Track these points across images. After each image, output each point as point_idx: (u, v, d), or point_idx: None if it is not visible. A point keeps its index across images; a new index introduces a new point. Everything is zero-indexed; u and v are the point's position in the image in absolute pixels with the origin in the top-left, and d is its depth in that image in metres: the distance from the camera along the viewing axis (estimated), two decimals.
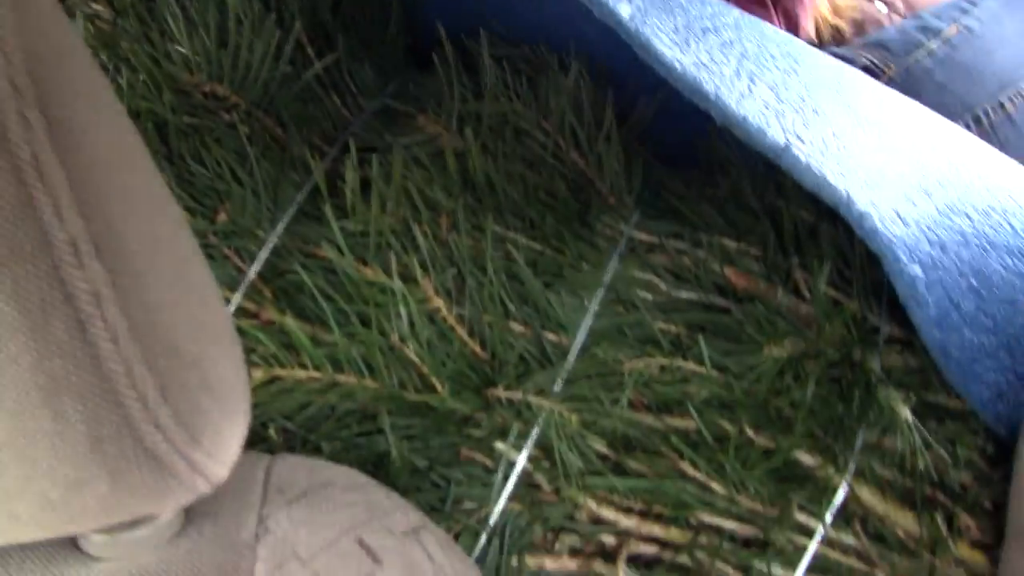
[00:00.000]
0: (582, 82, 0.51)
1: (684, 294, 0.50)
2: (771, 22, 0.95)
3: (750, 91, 0.47)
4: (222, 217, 0.49)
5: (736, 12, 0.56)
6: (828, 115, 0.49)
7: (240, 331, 0.48)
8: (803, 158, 0.46)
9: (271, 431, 0.48)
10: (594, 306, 0.49)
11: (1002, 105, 0.96)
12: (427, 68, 0.55)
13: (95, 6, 0.57)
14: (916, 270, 0.46)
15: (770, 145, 0.46)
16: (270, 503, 0.41)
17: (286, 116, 0.53)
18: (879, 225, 0.46)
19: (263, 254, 0.49)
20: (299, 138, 0.52)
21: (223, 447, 0.33)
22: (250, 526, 0.40)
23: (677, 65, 0.47)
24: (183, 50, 0.54)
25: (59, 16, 0.26)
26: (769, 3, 0.96)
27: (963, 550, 0.49)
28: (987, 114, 0.96)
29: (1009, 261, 0.50)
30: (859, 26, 1.20)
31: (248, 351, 0.47)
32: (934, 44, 1.01)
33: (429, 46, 0.56)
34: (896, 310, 0.50)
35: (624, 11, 0.49)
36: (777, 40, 0.55)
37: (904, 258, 0.46)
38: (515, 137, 0.51)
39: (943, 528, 0.49)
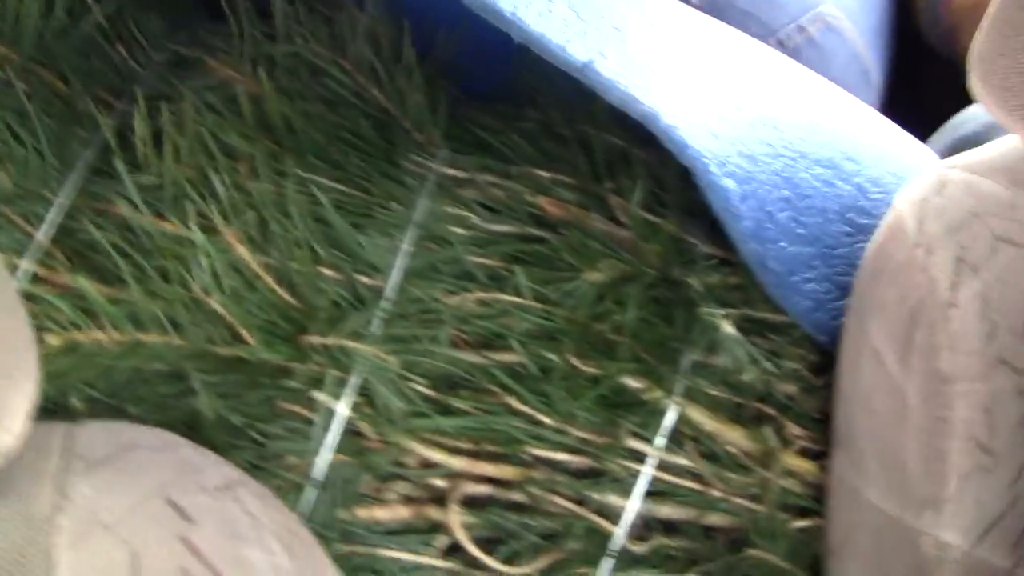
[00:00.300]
0: (378, 18, 0.50)
1: (498, 227, 0.49)
2: None
3: (549, 10, 0.46)
4: (4, 180, 0.46)
5: None
6: (631, 32, 0.48)
7: (33, 298, 0.45)
8: (606, 74, 0.45)
9: (73, 400, 0.45)
10: (406, 245, 0.47)
11: (803, 28, 0.98)
12: (219, 17, 0.53)
13: None
14: (729, 183, 0.46)
15: (571, 63, 0.45)
16: (70, 471, 0.39)
17: (67, 69, 0.50)
18: (688, 139, 0.45)
19: (52, 216, 0.47)
20: (84, 92, 0.49)
21: (10, 416, 0.32)
22: (45, 498, 0.38)
23: None
24: None
25: None
26: None
27: (793, 460, 0.49)
28: (790, 36, 0.98)
29: (818, 170, 0.50)
30: None
31: (44, 318, 0.45)
32: None
33: None
34: (715, 230, 0.49)
35: None
36: None
37: (716, 171, 0.46)
38: (312, 77, 0.49)
39: (773, 441, 0.49)
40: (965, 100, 0.60)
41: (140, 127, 0.46)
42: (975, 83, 0.39)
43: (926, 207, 0.45)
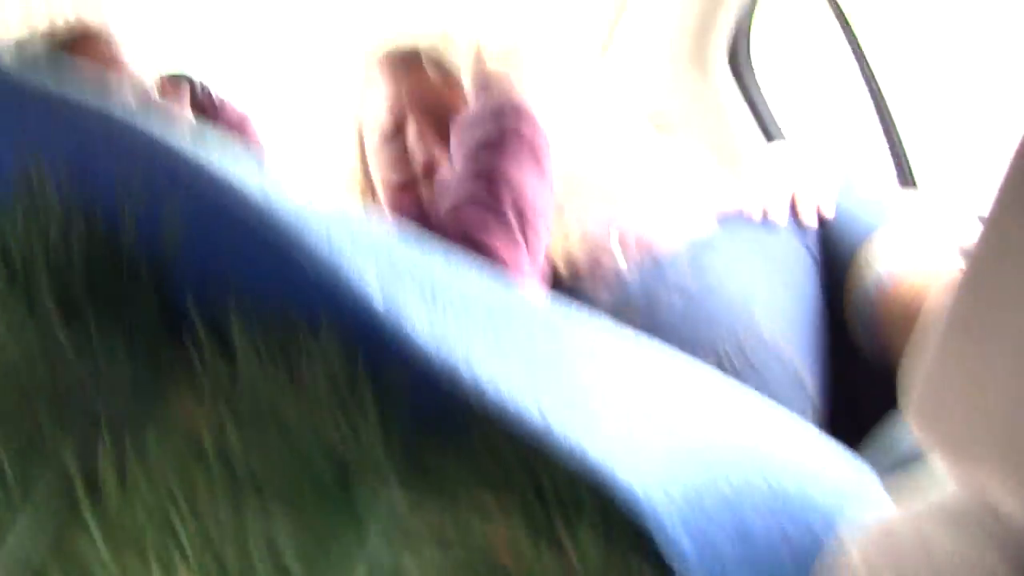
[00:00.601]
0: (334, 353, 0.52)
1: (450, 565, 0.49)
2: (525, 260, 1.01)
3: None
4: None
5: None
6: (572, 378, 0.51)
7: None
8: (562, 440, 0.47)
9: None
10: None
11: (739, 345, 1.02)
12: (179, 332, 0.55)
13: None
14: (686, 543, 0.47)
15: (531, 429, 0.47)
16: None
17: (30, 385, 0.51)
18: (646, 505, 0.47)
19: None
20: (47, 411, 0.50)
21: None
22: None
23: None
24: None
25: None
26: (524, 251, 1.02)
27: None
28: (727, 354, 1.02)
29: (770, 520, 0.51)
30: (603, 281, 1.29)
31: None
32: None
33: (181, 311, 0.56)
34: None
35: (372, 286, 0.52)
36: (510, 305, 0.60)
37: (674, 535, 0.47)
38: (274, 419, 0.51)
39: None
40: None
41: (109, 476, 0.47)
42: (913, 425, 0.41)
43: (876, 555, 0.45)
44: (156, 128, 0.60)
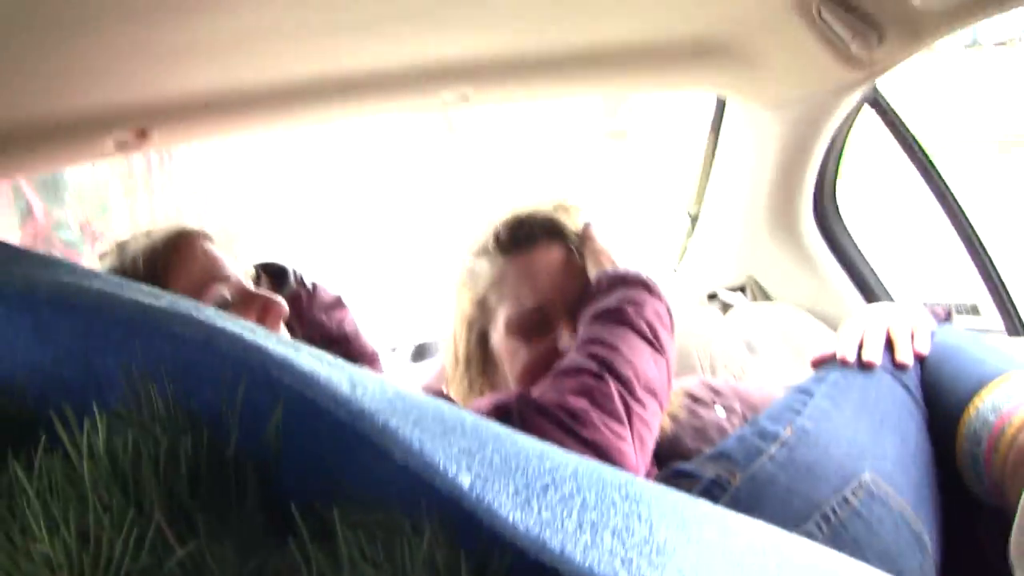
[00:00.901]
0: (436, 544, 0.52)
1: None
2: (632, 449, 1.00)
3: (594, 541, 0.50)
4: None
5: (575, 461, 0.60)
6: (674, 552, 0.52)
7: None
8: None
9: None
10: None
11: (847, 500, 0.99)
12: (286, 536, 0.56)
13: None
14: None
15: None
16: None
17: None
18: None
19: None
20: None
21: None
22: None
23: (521, 527, 0.50)
24: (44, 549, 0.54)
25: None
26: (628, 434, 1.01)
27: None
28: (835, 511, 0.99)
29: None
30: (701, 433, 1.28)
31: None
32: (773, 448, 1.07)
33: (284, 510, 0.58)
34: None
35: (465, 481, 0.53)
36: (617, 483, 0.58)
37: None
38: None
39: None
40: None
41: None
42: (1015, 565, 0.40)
43: None
44: (247, 333, 0.63)
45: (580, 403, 1.01)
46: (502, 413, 1.01)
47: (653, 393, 1.08)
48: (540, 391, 1.05)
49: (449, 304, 1.38)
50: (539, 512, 0.52)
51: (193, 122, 1.50)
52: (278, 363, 0.60)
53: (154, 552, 0.55)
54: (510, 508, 0.52)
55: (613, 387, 1.04)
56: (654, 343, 1.12)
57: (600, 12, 1.43)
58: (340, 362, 0.65)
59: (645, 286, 1.18)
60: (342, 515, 0.56)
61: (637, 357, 1.09)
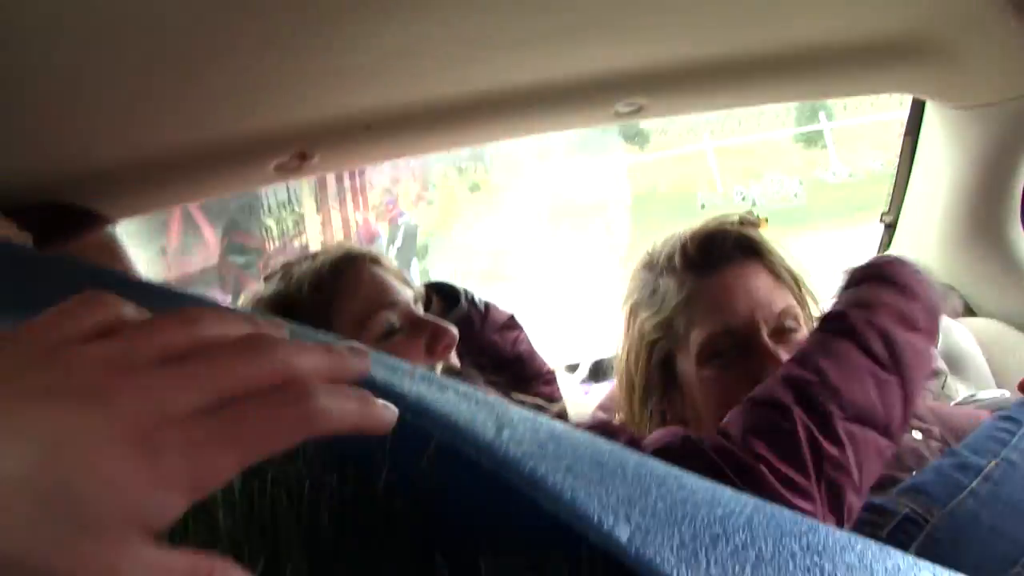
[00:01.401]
0: None
1: None
2: (813, 497, 0.88)
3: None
4: None
5: (751, 506, 0.54)
6: None
7: None
8: None
9: None
10: None
11: None
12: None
13: None
14: None
15: None
16: None
17: None
18: None
19: None
20: None
21: None
22: None
23: None
24: None
25: None
26: (813, 481, 0.88)
27: None
28: None
29: None
30: (898, 458, 1.12)
31: None
32: (975, 483, 0.94)
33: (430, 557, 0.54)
34: None
35: (623, 533, 0.48)
36: (797, 532, 0.52)
37: None
38: None
39: None
40: None
41: None
42: None
43: None
44: (399, 376, 0.59)
45: (756, 445, 0.89)
46: (667, 455, 0.89)
47: (867, 423, 0.92)
48: (724, 423, 0.94)
49: (621, 325, 1.28)
50: (707, 567, 0.48)
51: (355, 144, 1.50)
52: (413, 407, 0.55)
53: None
54: (674, 564, 0.47)
55: (800, 426, 0.90)
56: (881, 359, 0.96)
57: (788, 13, 1.33)
58: (492, 400, 0.60)
59: (892, 281, 1.03)
60: (489, 565, 0.52)
61: (849, 380, 0.94)
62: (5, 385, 0.34)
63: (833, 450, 0.89)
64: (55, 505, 0.31)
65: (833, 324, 1.00)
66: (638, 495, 0.52)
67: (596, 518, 0.49)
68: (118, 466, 0.33)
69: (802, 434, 0.89)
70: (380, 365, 0.60)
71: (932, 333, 1.01)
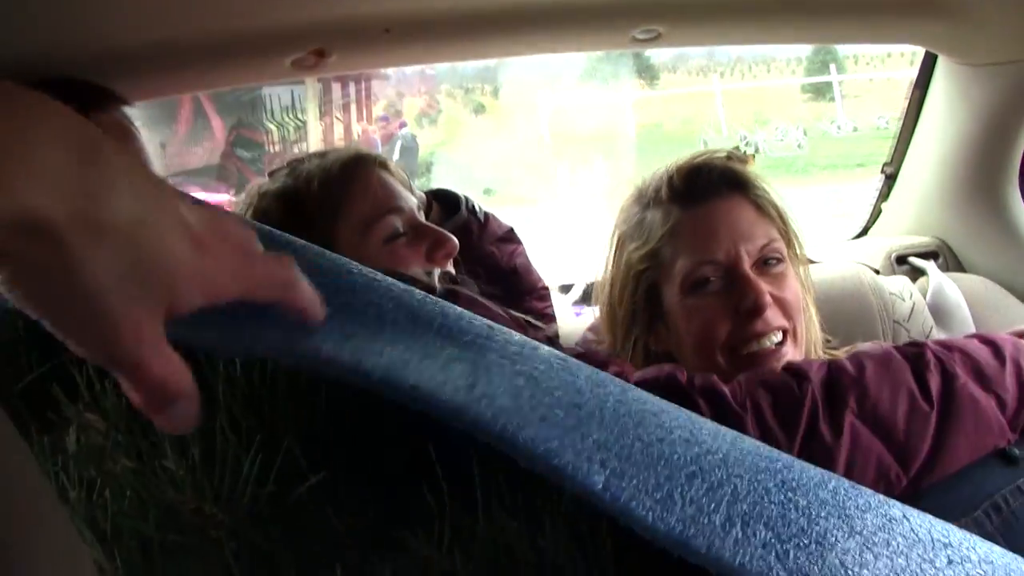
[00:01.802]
0: (577, 510, 0.49)
1: None
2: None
3: (744, 535, 0.46)
4: None
5: (728, 442, 0.55)
6: (835, 544, 0.48)
7: None
8: None
9: None
10: None
11: (1020, 489, 0.90)
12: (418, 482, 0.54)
13: (89, 416, 0.57)
14: None
15: None
16: None
17: (275, 535, 0.51)
18: None
19: None
20: (290, 562, 0.49)
21: None
22: None
23: (661, 526, 0.46)
24: (170, 466, 0.52)
25: None
26: (795, 453, 0.88)
27: None
28: (1006, 501, 0.90)
29: None
30: None
31: None
32: None
33: (424, 462, 0.54)
34: None
35: (598, 479, 0.48)
36: (772, 469, 0.53)
37: None
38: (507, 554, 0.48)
39: None
40: None
41: None
42: None
43: None
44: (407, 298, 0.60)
45: (760, 396, 0.91)
46: (671, 393, 0.87)
47: (879, 433, 0.92)
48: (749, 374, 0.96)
49: (607, 255, 1.29)
50: (682, 507, 0.48)
51: (372, 46, 1.48)
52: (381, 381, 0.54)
53: (284, 479, 0.52)
54: (649, 506, 0.48)
55: (809, 398, 0.91)
56: (930, 390, 0.94)
57: None
58: (472, 340, 0.58)
59: (996, 345, 1.00)
60: (482, 460, 0.53)
61: (881, 387, 0.93)
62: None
63: (828, 435, 0.90)
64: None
65: (907, 347, 1.00)
66: (615, 438, 0.52)
67: (570, 467, 0.49)
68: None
69: (807, 406, 0.90)
70: (357, 324, 0.58)
71: (1006, 404, 0.97)
